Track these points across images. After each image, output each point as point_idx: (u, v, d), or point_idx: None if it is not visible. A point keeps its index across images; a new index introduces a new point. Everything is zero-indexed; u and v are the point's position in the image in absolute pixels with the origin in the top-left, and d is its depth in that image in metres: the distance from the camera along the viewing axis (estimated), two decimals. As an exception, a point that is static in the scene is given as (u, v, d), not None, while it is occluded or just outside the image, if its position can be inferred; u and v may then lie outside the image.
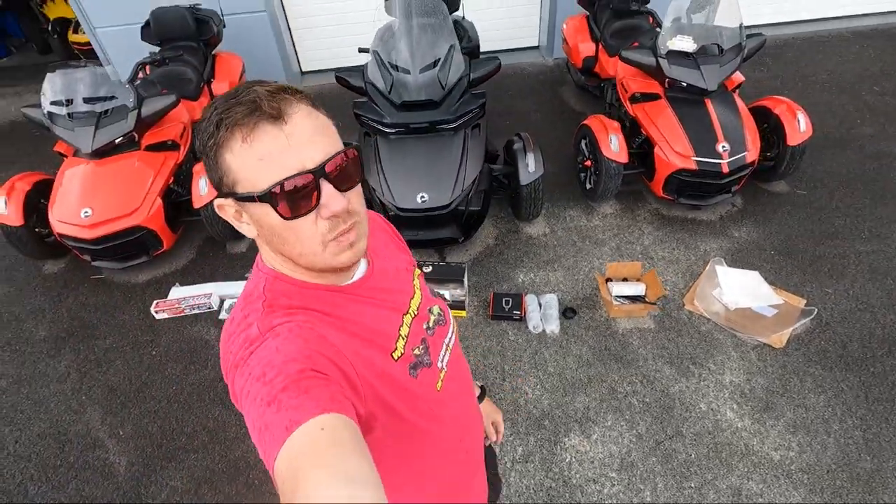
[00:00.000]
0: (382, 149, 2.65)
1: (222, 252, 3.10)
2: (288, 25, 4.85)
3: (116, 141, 2.75)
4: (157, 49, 3.81)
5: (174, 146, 2.98)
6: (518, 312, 2.48)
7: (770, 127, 2.99)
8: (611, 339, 2.37)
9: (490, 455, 1.24)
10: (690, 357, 2.26)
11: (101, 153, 2.74)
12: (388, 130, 2.65)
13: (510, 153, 2.87)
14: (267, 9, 4.55)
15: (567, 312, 2.49)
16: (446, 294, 2.47)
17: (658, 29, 3.24)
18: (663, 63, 2.87)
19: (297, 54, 5.08)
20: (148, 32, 3.80)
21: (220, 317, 2.65)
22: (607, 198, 3.09)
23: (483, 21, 4.61)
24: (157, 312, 2.65)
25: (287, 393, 0.54)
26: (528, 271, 2.77)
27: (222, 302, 2.72)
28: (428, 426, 0.77)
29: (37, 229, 2.86)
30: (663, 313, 2.46)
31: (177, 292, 2.79)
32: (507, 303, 2.52)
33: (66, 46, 6.03)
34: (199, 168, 2.86)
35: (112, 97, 2.73)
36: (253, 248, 3.09)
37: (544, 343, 2.38)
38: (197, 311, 2.68)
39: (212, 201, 2.79)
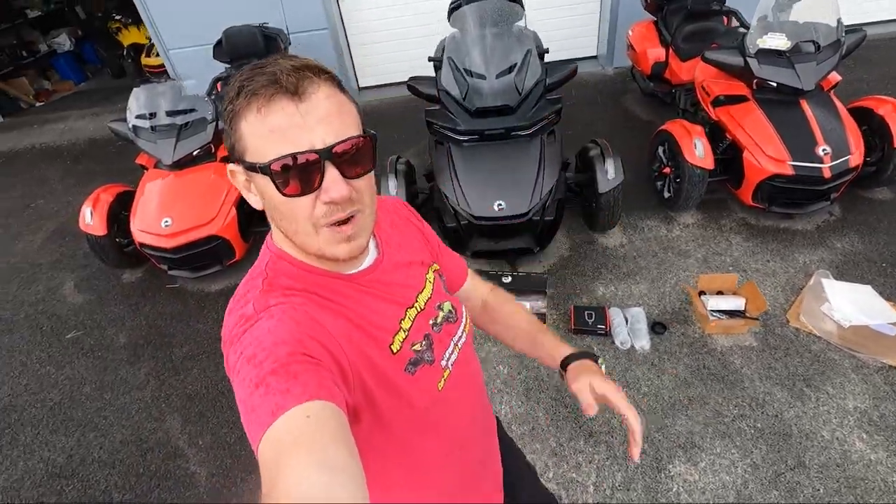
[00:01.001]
0: (456, 156, 2.59)
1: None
2: (347, 42, 4.94)
3: (195, 153, 2.81)
4: (228, 66, 3.95)
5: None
6: (603, 327, 2.33)
7: (872, 129, 2.75)
8: (709, 357, 2.18)
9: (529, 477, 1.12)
10: (803, 379, 2.04)
11: (180, 164, 2.81)
12: (461, 138, 2.59)
13: (585, 160, 2.75)
14: (329, 26, 4.67)
15: (656, 327, 2.32)
16: (526, 305, 2.35)
17: (741, 29, 3.07)
18: (752, 63, 2.70)
19: (354, 70, 5.16)
20: (220, 51, 3.94)
21: (293, 327, 2.62)
22: (689, 207, 2.91)
23: (539, 32, 4.55)
24: (231, 321, 2.65)
25: (275, 376, 0.53)
26: (607, 283, 2.62)
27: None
28: (421, 427, 0.74)
29: (117, 239, 2.95)
30: (765, 330, 2.25)
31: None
32: (589, 316, 2.38)
33: (138, 69, 6.39)
34: (272, 178, 2.89)
35: (192, 110, 2.81)
36: (321, 259, 3.07)
37: (634, 360, 2.21)
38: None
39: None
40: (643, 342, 2.23)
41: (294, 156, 0.57)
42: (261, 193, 0.63)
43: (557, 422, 2.02)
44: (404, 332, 0.71)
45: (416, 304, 0.76)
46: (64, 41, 7.10)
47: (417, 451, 0.76)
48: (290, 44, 4.13)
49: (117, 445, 2.19)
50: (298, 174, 0.58)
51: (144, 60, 6.15)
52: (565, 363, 0.91)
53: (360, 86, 5.27)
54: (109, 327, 2.82)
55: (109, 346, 2.70)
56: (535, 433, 1.99)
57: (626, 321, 2.34)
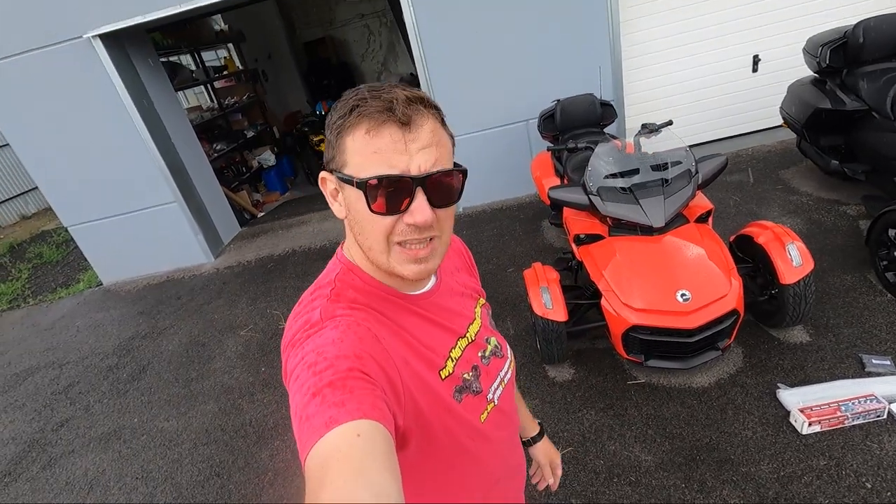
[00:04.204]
0: None
1: (775, 343, 2.42)
2: (624, 114, 4.71)
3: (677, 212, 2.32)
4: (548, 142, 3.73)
5: (706, 217, 2.51)
6: None
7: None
8: None
9: None
10: None
11: (664, 228, 2.31)
12: None
13: None
14: (615, 98, 4.45)
15: None
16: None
17: None
18: None
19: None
20: (549, 123, 3.71)
21: (915, 428, 1.87)
22: None
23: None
24: (808, 424, 1.94)
25: (332, 389, 0.54)
26: None
27: (889, 407, 1.95)
28: (463, 454, 0.74)
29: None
30: None
31: (792, 396, 2.08)
32: None
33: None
34: (773, 236, 2.32)
35: (678, 162, 2.37)
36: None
37: None
38: (860, 421, 1.93)
39: (806, 277, 2.23)
40: None
41: (388, 177, 0.59)
42: (348, 205, 0.65)
43: None
44: (453, 360, 0.73)
45: (467, 335, 0.78)
46: (269, 157, 7.48)
47: (457, 480, 0.75)
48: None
49: None
50: (390, 194, 0.60)
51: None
52: (536, 438, 1.10)
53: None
54: (590, 443, 2.15)
55: (591, 467, 2.01)
56: None
57: None
